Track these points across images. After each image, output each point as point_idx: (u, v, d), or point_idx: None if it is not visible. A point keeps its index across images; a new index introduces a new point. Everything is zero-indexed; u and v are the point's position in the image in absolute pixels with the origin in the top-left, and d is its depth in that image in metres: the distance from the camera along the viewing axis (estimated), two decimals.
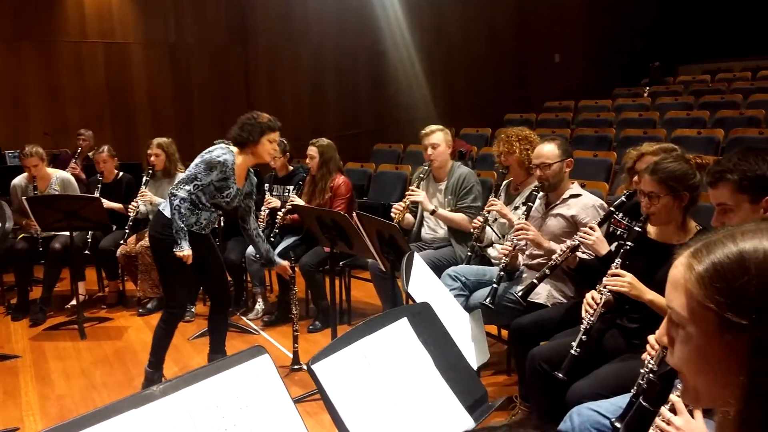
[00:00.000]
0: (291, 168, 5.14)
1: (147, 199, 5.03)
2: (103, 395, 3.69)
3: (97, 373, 4.00)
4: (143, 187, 5.07)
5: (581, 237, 2.82)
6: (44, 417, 3.46)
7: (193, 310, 4.99)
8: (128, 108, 8.23)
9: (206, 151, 3.51)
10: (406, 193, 4.20)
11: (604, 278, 2.50)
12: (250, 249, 4.89)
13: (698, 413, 1.37)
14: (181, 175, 5.30)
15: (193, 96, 8.47)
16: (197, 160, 3.50)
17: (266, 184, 5.13)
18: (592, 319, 2.50)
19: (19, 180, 5.15)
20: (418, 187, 4.17)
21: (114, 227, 5.25)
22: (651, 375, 1.11)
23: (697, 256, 0.87)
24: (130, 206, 5.05)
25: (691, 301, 0.86)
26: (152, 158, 5.09)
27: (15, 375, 4.03)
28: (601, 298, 2.50)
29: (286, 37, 8.87)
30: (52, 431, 1.12)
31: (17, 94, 7.63)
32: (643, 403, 1.07)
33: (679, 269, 0.89)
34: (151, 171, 5.11)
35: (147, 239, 5.02)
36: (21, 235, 5.14)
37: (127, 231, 4.99)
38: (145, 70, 8.30)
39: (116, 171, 5.43)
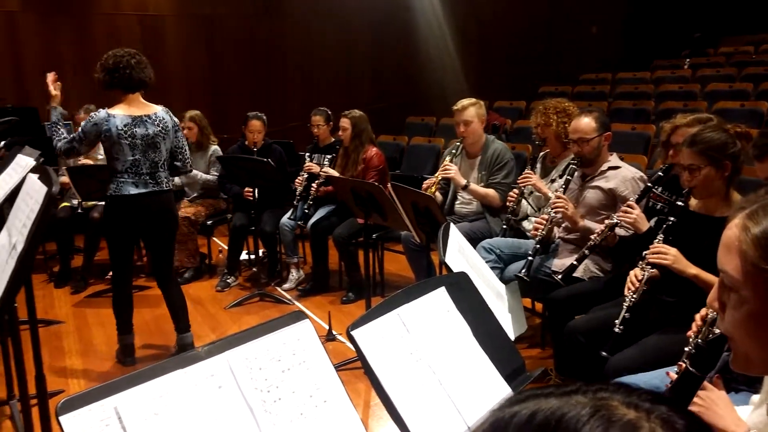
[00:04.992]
0: (333, 139, 5.14)
1: None
2: (145, 361, 3.79)
3: (138, 339, 4.08)
4: None
5: (621, 215, 2.78)
6: (88, 381, 3.57)
7: (228, 281, 5.07)
8: (163, 81, 8.19)
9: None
10: (439, 169, 4.14)
11: (646, 253, 2.47)
12: (284, 219, 4.93)
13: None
14: (214, 147, 5.37)
15: (227, 68, 8.48)
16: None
17: (307, 154, 5.15)
18: (634, 296, 2.47)
19: None
20: (451, 162, 4.12)
21: None
22: (699, 341, 1.09)
23: (753, 217, 0.85)
24: None
25: (745, 264, 0.84)
26: (185, 131, 5.14)
27: (59, 340, 4.16)
28: (643, 276, 2.47)
29: (316, 9, 8.80)
30: (104, 387, 1.14)
31: (53, 68, 7.65)
32: (691, 369, 1.06)
33: (733, 231, 0.87)
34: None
35: (184, 210, 5.12)
36: (62, 205, 5.25)
37: None
38: (179, 43, 8.31)
39: None
